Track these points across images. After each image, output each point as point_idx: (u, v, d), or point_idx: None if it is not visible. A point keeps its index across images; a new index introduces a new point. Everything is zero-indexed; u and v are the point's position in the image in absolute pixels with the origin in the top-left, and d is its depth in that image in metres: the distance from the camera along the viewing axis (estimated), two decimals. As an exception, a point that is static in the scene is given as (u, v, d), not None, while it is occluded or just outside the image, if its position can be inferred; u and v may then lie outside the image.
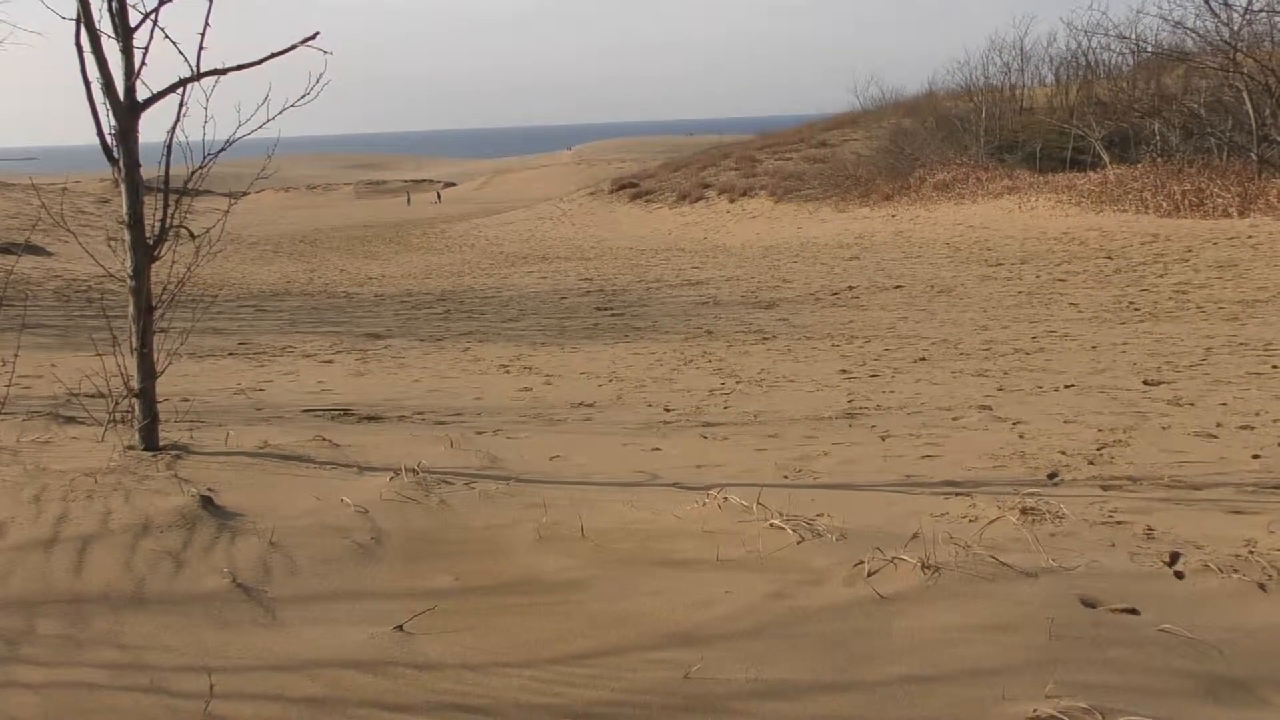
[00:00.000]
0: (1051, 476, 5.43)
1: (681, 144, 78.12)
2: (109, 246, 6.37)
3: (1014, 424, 6.96)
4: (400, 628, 3.15)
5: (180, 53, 5.03)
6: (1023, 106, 39.90)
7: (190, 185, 5.14)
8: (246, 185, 7.91)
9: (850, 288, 17.97)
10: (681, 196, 38.14)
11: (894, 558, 3.54)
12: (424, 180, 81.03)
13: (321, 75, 5.31)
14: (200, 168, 5.09)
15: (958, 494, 4.93)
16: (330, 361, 11.12)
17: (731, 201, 36.21)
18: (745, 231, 31.68)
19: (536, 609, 3.42)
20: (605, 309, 16.58)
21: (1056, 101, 37.88)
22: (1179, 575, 3.53)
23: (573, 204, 42.54)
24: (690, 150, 53.79)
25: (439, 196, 65.87)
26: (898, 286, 17.77)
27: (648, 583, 3.61)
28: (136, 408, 5.17)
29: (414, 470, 4.89)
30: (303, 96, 5.26)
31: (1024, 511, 4.32)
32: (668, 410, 7.93)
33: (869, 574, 3.49)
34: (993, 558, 3.56)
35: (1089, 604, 3.21)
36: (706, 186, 38.27)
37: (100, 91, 4.94)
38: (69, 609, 3.20)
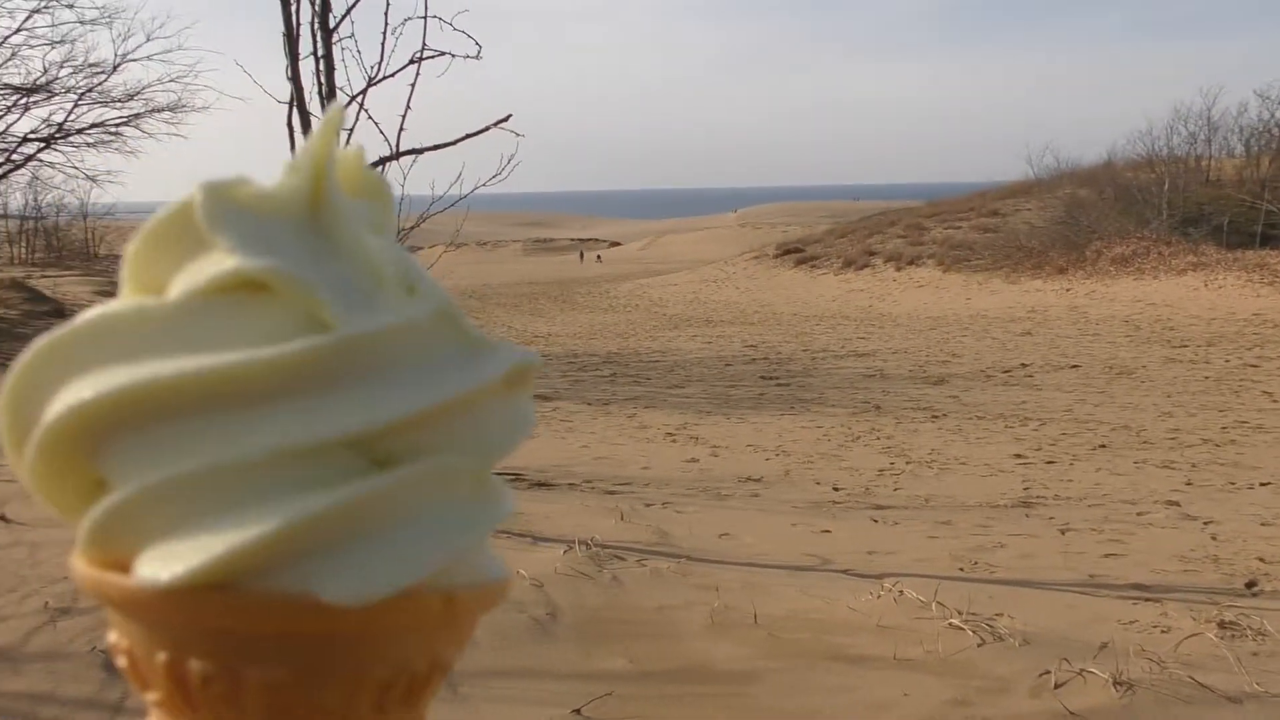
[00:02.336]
0: (1249, 586, 5.13)
1: (847, 209, 77.81)
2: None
3: (1205, 523, 6.62)
4: (578, 711, 3.18)
5: (381, 133, 5.30)
6: (1209, 178, 38.30)
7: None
8: (428, 240, 8.25)
9: (1023, 365, 17.45)
10: (847, 263, 37.82)
11: (1082, 670, 3.41)
12: (589, 239, 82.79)
13: (513, 157, 5.55)
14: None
15: (1146, 599, 4.71)
16: (500, 422, 11.38)
17: (898, 270, 35.73)
18: (911, 301, 31.21)
19: (710, 700, 3.41)
20: (771, 378, 16.53)
21: (1246, 174, 36.17)
22: (1400, 712, 3.29)
23: (736, 268, 42.70)
24: (856, 216, 53.48)
25: (599, 257, 67.22)
26: (1074, 366, 17.17)
27: (823, 679, 3.56)
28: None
29: (587, 543, 4.95)
30: (494, 176, 5.50)
31: (1222, 625, 4.09)
32: (836, 489, 7.83)
33: (1055, 685, 3.37)
34: (1191, 678, 3.40)
35: (1300, 738, 3.02)
36: (872, 254, 37.86)
37: (309, 169, 5.24)
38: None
